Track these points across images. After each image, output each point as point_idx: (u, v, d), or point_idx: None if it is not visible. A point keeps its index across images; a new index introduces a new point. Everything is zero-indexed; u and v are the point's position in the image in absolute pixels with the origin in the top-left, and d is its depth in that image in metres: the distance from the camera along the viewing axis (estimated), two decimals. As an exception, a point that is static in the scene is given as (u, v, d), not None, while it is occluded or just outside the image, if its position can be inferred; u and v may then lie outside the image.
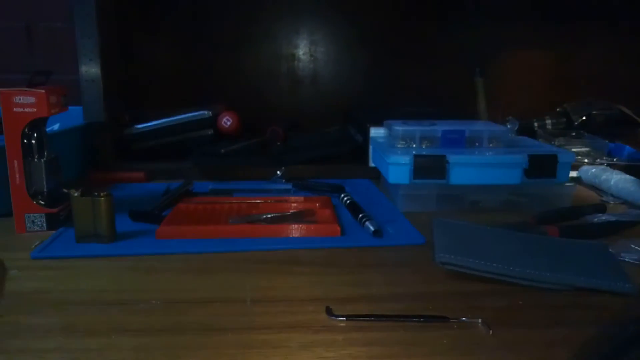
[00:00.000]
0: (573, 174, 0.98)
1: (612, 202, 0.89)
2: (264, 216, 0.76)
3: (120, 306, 0.52)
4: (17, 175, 0.71)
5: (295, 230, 0.72)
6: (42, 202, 0.73)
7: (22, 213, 0.73)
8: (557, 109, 1.29)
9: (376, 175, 1.02)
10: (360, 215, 0.76)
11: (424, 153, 0.83)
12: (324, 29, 1.36)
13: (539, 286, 0.56)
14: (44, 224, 0.73)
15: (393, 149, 0.88)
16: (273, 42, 1.35)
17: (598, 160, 1.07)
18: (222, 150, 1.06)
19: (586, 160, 1.07)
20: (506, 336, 0.47)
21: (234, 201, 0.86)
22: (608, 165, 1.04)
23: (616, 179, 0.92)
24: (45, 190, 0.74)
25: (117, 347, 0.44)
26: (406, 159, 0.83)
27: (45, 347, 0.44)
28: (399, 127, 0.90)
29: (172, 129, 1.10)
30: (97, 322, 0.49)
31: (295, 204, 0.85)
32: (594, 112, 1.26)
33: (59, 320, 0.49)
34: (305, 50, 1.36)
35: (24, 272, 0.60)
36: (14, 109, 0.70)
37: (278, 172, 1.00)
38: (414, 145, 0.89)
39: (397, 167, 0.83)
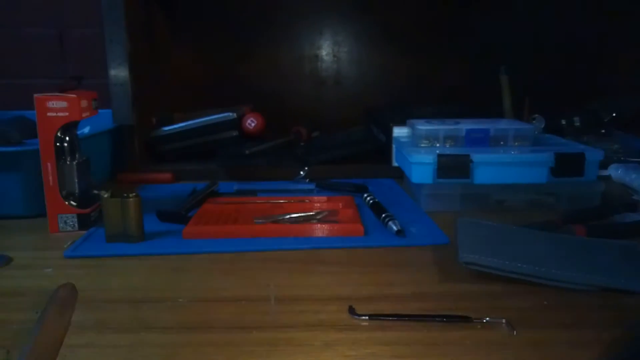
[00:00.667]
0: (602, 172, 0.96)
1: (643, 201, 0.87)
2: (288, 216, 0.77)
3: (148, 304, 0.53)
4: (51, 177, 0.74)
5: (319, 230, 0.73)
6: (74, 203, 0.76)
7: (55, 214, 0.75)
8: (586, 106, 1.26)
9: (399, 174, 1.02)
10: (384, 215, 0.76)
11: (447, 152, 0.83)
12: (347, 30, 1.36)
13: (565, 286, 0.55)
14: (76, 224, 0.76)
15: (416, 148, 0.88)
16: (296, 44, 1.36)
17: (628, 158, 1.04)
18: (247, 151, 1.08)
19: (616, 159, 1.04)
20: (530, 337, 0.46)
21: (259, 201, 0.87)
22: (639, 163, 1.01)
23: (647, 177, 0.90)
24: (77, 191, 0.76)
25: (145, 344, 0.46)
26: (430, 159, 0.82)
27: (78, 343, 0.46)
28: (422, 127, 0.90)
29: (198, 131, 1.12)
30: (126, 319, 0.50)
31: (318, 204, 0.86)
32: (624, 108, 1.23)
33: (91, 317, 0.51)
34: (328, 51, 1.37)
35: (58, 270, 0.63)
36: (48, 114, 0.72)
37: (301, 172, 1.01)
38: (438, 145, 0.88)
39: (421, 167, 0.83)
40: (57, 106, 0.72)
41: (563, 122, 1.23)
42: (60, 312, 0.41)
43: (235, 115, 1.12)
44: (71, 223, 0.76)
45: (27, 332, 0.33)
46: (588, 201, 0.84)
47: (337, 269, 0.63)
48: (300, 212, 0.78)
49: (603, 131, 1.19)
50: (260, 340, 0.46)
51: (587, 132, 1.19)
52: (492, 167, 0.82)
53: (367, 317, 0.50)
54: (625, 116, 1.22)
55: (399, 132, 1.01)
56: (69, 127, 0.75)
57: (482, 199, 0.84)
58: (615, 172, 0.98)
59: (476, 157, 0.82)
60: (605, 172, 0.99)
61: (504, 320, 0.48)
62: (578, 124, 1.23)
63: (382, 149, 1.09)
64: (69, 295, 0.41)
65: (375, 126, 1.21)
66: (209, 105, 1.26)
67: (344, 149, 1.14)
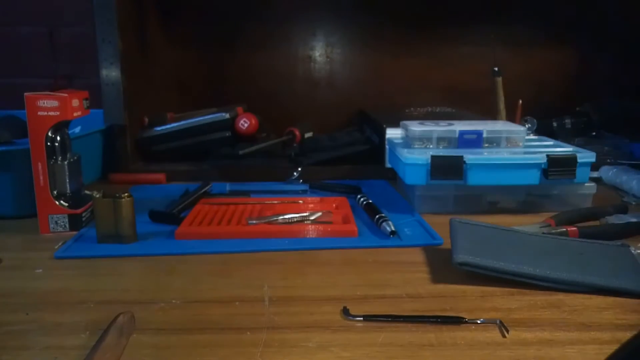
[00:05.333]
0: (593, 174, 0.97)
1: (633, 203, 0.88)
2: (281, 217, 0.77)
3: (141, 305, 0.53)
4: (41, 177, 0.73)
5: (312, 231, 0.72)
6: (65, 204, 0.75)
7: (46, 214, 0.74)
8: (577, 108, 1.27)
9: (392, 176, 1.02)
10: (377, 216, 0.76)
11: (441, 154, 0.83)
12: (340, 31, 1.36)
13: (558, 287, 0.55)
14: (67, 225, 0.75)
15: (410, 149, 0.88)
16: (289, 45, 1.36)
17: (619, 160, 1.05)
18: (240, 152, 1.07)
19: (608, 160, 1.05)
20: (524, 338, 0.46)
21: (252, 202, 0.87)
22: (629, 165, 1.02)
23: (638, 179, 0.91)
24: (68, 191, 0.76)
25: (138, 345, 0.45)
26: (423, 160, 0.82)
27: (70, 344, 0.45)
28: (416, 128, 0.90)
29: (191, 131, 1.12)
30: (119, 320, 0.50)
31: (312, 205, 0.85)
32: (615, 111, 1.24)
33: (83, 318, 0.50)
34: (321, 52, 1.37)
35: (48, 271, 0.62)
36: (39, 113, 0.71)
37: (295, 173, 1.01)
38: (431, 146, 0.89)
39: (414, 168, 0.83)
40: (48, 105, 0.72)
41: (554, 124, 1.24)
42: (117, 339, 0.42)
43: (228, 115, 1.12)
44: (62, 223, 0.75)
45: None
46: (580, 203, 0.85)
47: (331, 269, 0.62)
48: (294, 213, 0.78)
49: (594, 133, 1.20)
50: (254, 341, 0.46)
51: (578, 134, 1.20)
52: (485, 169, 0.82)
53: (361, 318, 0.50)
54: (615, 119, 1.23)
55: (392, 133, 1.01)
56: (60, 127, 0.74)
57: (475, 200, 0.84)
58: (606, 174, 0.99)
59: (469, 158, 0.82)
60: (596, 174, 1.00)
61: (497, 321, 0.48)
62: (569, 126, 1.24)
63: (375, 150, 1.09)
64: (127, 323, 0.44)
65: (369, 127, 1.21)
66: (201, 105, 1.25)
67: (337, 150, 1.14)
